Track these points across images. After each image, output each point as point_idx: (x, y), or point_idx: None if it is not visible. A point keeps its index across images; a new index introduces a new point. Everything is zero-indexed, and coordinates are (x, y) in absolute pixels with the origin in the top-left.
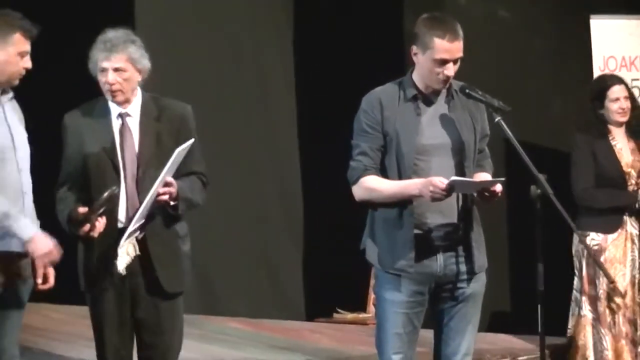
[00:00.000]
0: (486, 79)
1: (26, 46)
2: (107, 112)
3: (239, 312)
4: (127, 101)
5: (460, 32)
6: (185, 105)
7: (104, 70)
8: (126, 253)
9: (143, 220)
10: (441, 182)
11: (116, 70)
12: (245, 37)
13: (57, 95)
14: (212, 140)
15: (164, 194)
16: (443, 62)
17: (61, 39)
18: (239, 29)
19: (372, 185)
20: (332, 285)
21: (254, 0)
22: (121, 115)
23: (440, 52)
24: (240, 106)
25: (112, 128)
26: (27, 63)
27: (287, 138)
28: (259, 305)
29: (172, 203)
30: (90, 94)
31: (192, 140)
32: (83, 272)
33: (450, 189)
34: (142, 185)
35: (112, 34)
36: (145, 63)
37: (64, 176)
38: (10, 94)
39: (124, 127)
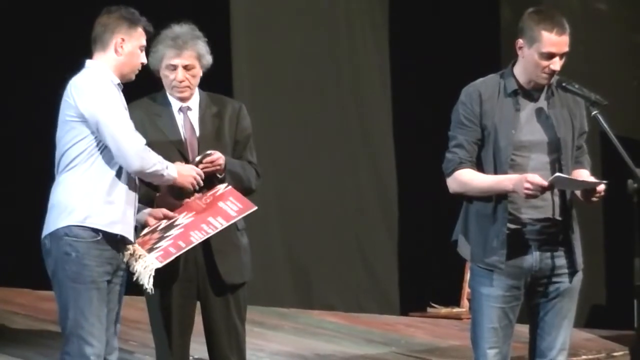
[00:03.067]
0: (583, 73)
1: (144, 41)
2: (167, 105)
3: (334, 306)
4: (189, 96)
5: (567, 27)
6: (240, 103)
7: (174, 67)
8: (144, 267)
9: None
10: (537, 179)
11: (185, 67)
12: (342, 31)
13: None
14: (308, 136)
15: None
16: (550, 56)
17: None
18: (335, 24)
19: (466, 178)
20: (426, 279)
21: None
22: (182, 110)
23: (548, 46)
24: (337, 101)
25: (176, 121)
26: (144, 58)
27: (383, 132)
28: (354, 300)
29: (219, 175)
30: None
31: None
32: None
33: (551, 185)
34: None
35: (179, 30)
36: (209, 59)
37: None
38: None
39: (186, 121)
